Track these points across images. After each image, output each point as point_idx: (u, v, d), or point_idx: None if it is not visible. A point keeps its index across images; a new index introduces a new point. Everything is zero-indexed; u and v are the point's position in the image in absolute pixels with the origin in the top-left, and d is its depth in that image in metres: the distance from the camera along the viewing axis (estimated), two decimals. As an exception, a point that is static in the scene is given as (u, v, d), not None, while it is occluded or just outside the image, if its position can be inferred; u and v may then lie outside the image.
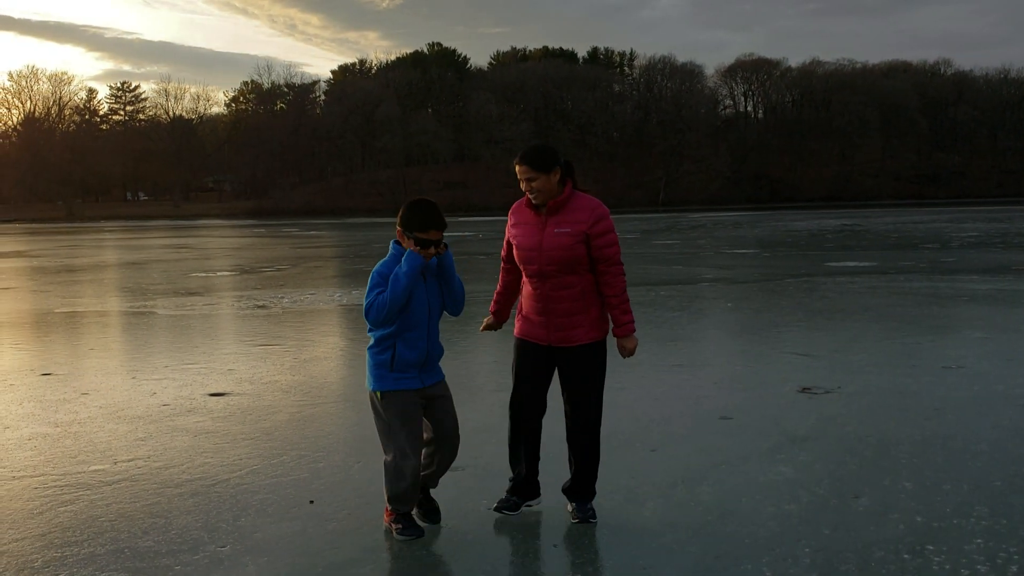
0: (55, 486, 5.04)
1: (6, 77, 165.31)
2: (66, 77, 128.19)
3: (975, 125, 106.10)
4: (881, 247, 24.96)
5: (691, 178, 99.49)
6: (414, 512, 4.31)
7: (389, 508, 4.24)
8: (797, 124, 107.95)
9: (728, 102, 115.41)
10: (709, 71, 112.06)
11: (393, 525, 4.21)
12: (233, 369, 8.47)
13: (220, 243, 36.32)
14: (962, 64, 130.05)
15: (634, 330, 4.42)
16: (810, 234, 32.81)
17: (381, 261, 4.22)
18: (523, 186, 4.25)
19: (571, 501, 4.47)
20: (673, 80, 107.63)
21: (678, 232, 37.25)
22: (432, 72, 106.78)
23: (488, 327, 4.76)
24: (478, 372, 8.20)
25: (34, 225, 68.90)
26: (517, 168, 4.23)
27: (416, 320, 4.15)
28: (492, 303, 4.71)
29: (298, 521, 4.44)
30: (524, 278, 4.43)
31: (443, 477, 4.48)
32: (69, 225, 67.90)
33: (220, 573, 3.84)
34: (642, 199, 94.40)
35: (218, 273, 20.35)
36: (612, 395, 6.86)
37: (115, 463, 5.46)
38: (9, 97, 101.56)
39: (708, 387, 7.31)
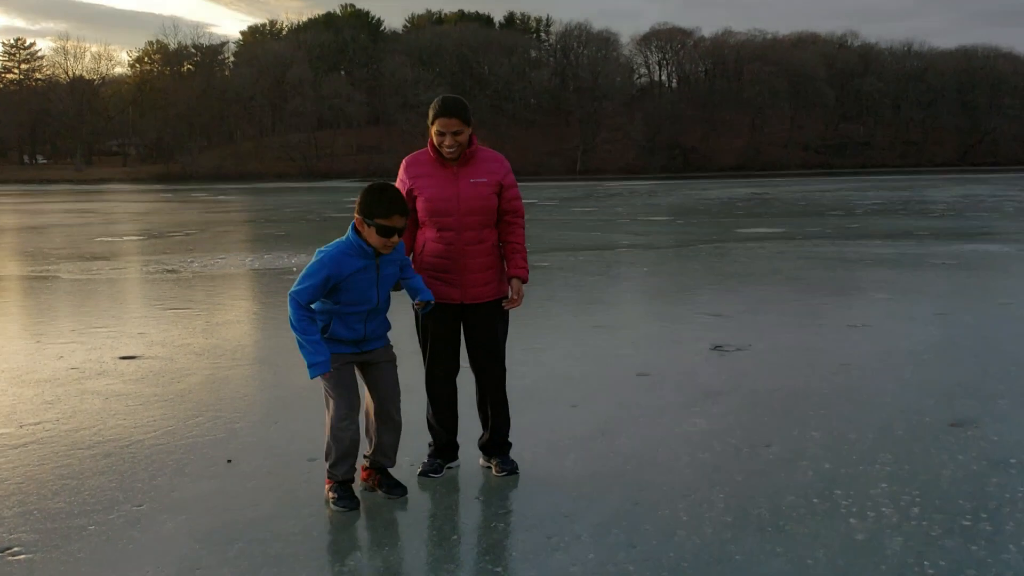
0: (-43, 450, 4.85)
1: None
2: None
3: (880, 96, 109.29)
4: (789, 214, 25.63)
5: (608, 147, 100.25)
6: (380, 490, 4.18)
7: (327, 476, 4.12)
8: (709, 94, 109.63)
9: (643, 71, 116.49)
10: (624, 39, 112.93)
11: (330, 494, 4.07)
12: (144, 333, 8.25)
13: (126, 208, 35.16)
14: (868, 36, 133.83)
15: (528, 278, 4.42)
16: (721, 202, 33.48)
17: (330, 247, 3.98)
18: (445, 140, 4.13)
19: (492, 456, 4.50)
20: (589, 47, 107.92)
21: (596, 200, 37.57)
22: (345, 34, 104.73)
23: None
24: (396, 333, 8.15)
25: (-76, 188, 65.61)
26: (442, 121, 4.11)
27: (358, 308, 4.00)
28: None
29: (216, 480, 4.38)
30: (427, 235, 4.27)
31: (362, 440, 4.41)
32: (-38, 188, 64.81)
33: (137, 531, 3.77)
34: (560, 167, 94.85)
35: (124, 238, 19.72)
36: (534, 355, 6.98)
37: (20, 426, 5.28)
38: None
39: (626, 346, 7.44)
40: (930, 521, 3.78)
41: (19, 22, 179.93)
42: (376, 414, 4.17)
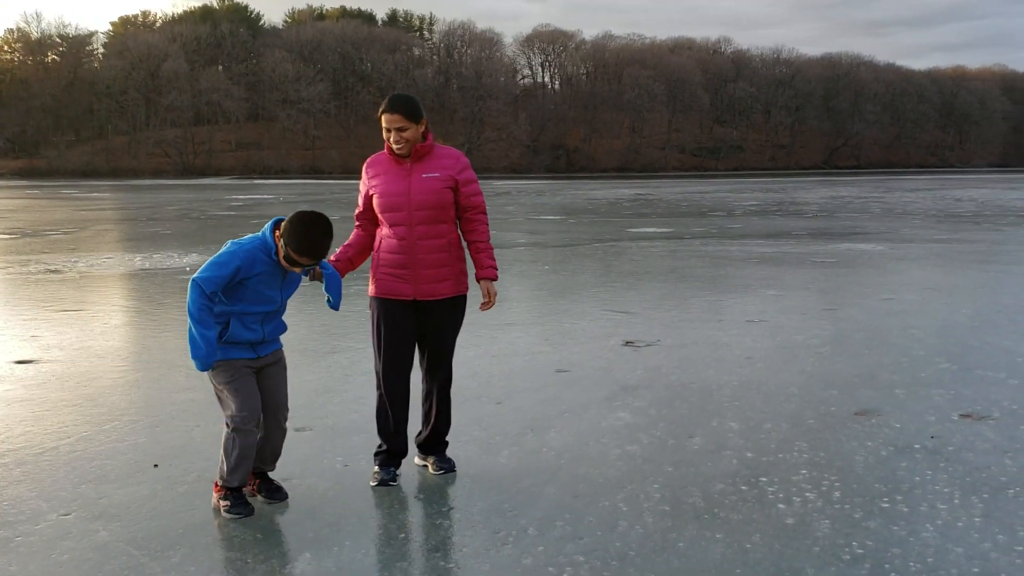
0: None
1: None
2: None
3: (751, 101, 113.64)
4: (674, 214, 26.40)
5: (492, 145, 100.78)
6: (260, 495, 4.10)
7: (218, 483, 3.98)
8: (591, 96, 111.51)
9: (526, 71, 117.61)
10: (508, 40, 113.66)
11: (221, 502, 3.95)
12: (36, 336, 7.88)
13: (-10, 204, 33.25)
14: (741, 43, 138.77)
15: (497, 276, 4.46)
16: (608, 202, 34.18)
17: (244, 240, 3.92)
18: (391, 136, 4.15)
19: (429, 455, 4.51)
20: (473, 47, 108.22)
21: (486, 198, 37.65)
22: (223, 27, 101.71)
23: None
24: (308, 336, 8.06)
25: None
26: (386, 117, 4.13)
27: (260, 308, 3.94)
28: (336, 253, 4.38)
29: (145, 485, 4.25)
30: (383, 232, 4.30)
31: (289, 441, 4.33)
32: None
33: (71, 542, 3.63)
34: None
35: (-4, 236, 18.69)
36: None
37: (-80, 436, 4.98)
38: None
39: (541, 343, 7.55)
40: (851, 504, 4.01)
41: None
42: (267, 412, 4.07)
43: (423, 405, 4.51)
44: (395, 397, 4.38)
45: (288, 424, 4.19)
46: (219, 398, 3.99)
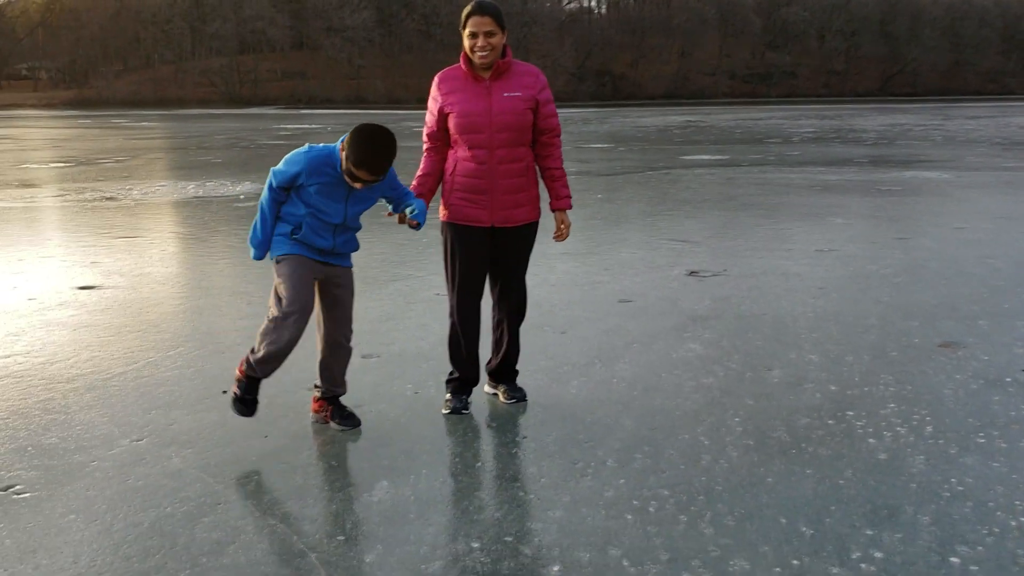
0: (-76, 386, 4.56)
1: None
2: None
3: (804, 26, 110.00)
4: (728, 141, 25.77)
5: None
6: (333, 422, 4.03)
7: (243, 366, 3.89)
8: (639, 21, 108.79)
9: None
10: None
11: (234, 386, 3.92)
12: (96, 262, 7.88)
13: (43, 134, 33.57)
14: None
15: (571, 206, 4.29)
16: (658, 129, 33.50)
17: (320, 148, 3.78)
18: (478, 42, 3.88)
19: (500, 383, 4.40)
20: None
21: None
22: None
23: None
24: (368, 264, 7.96)
25: None
26: (475, 20, 3.87)
27: (325, 218, 3.82)
28: (415, 188, 4.18)
29: (214, 412, 4.20)
30: (459, 155, 4.06)
31: (357, 368, 4.23)
32: None
33: (145, 468, 3.59)
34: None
35: (52, 164, 18.82)
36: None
37: (-11, 360, 4.99)
38: None
39: (600, 273, 7.37)
40: (946, 440, 3.83)
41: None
42: (327, 340, 4.02)
43: (493, 333, 4.38)
44: (468, 325, 4.24)
45: (353, 345, 4.09)
46: (276, 294, 3.85)
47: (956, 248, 8.36)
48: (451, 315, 4.28)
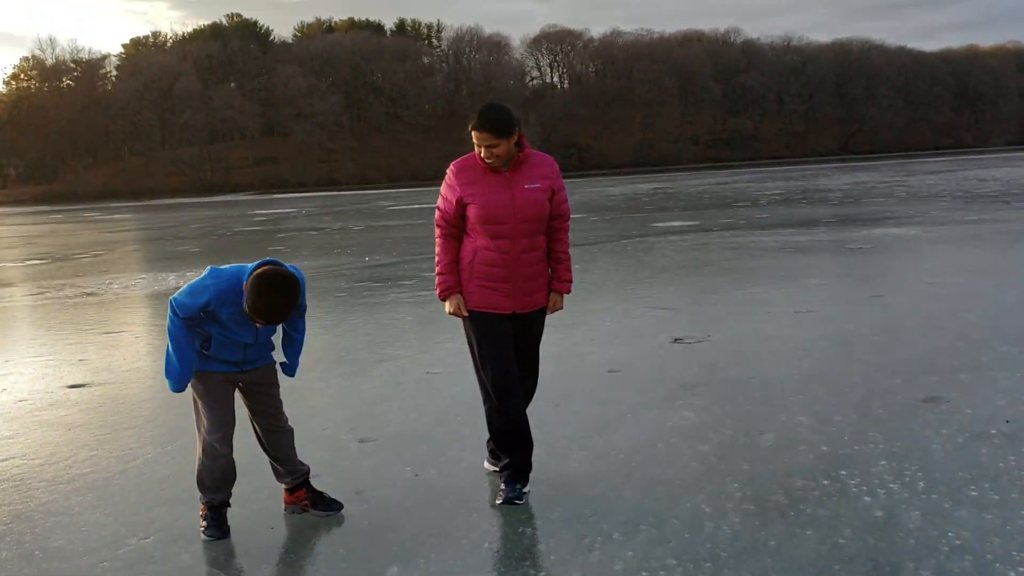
0: (-77, 495, 4.54)
1: None
2: None
3: (763, 91, 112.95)
4: (697, 207, 26.25)
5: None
6: (314, 510, 4.04)
7: (202, 504, 3.93)
8: (601, 94, 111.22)
9: (535, 73, 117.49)
10: (515, 42, 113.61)
11: (202, 519, 3.91)
12: (84, 359, 7.89)
13: (15, 231, 33.55)
14: (750, 32, 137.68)
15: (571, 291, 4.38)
16: (627, 198, 34.05)
17: (226, 273, 3.73)
18: (482, 152, 4.00)
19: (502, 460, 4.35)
20: (481, 52, 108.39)
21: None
22: (233, 44, 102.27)
23: (460, 308, 4.18)
24: (354, 345, 8.04)
25: None
26: (475, 135, 3.97)
27: (237, 339, 3.80)
28: (445, 277, 4.19)
29: (219, 506, 4.21)
30: (479, 244, 4.09)
31: (355, 453, 4.27)
32: None
33: (155, 566, 3.61)
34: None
35: (27, 262, 18.81)
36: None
37: (-13, 465, 4.98)
38: None
39: (587, 343, 7.49)
40: (939, 494, 3.93)
41: None
42: (264, 434, 4.01)
43: None
44: (513, 402, 4.15)
45: (292, 427, 4.10)
46: (195, 410, 3.91)
47: (930, 303, 8.57)
48: (486, 400, 4.22)
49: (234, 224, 30.07)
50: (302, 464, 4.10)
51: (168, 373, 3.80)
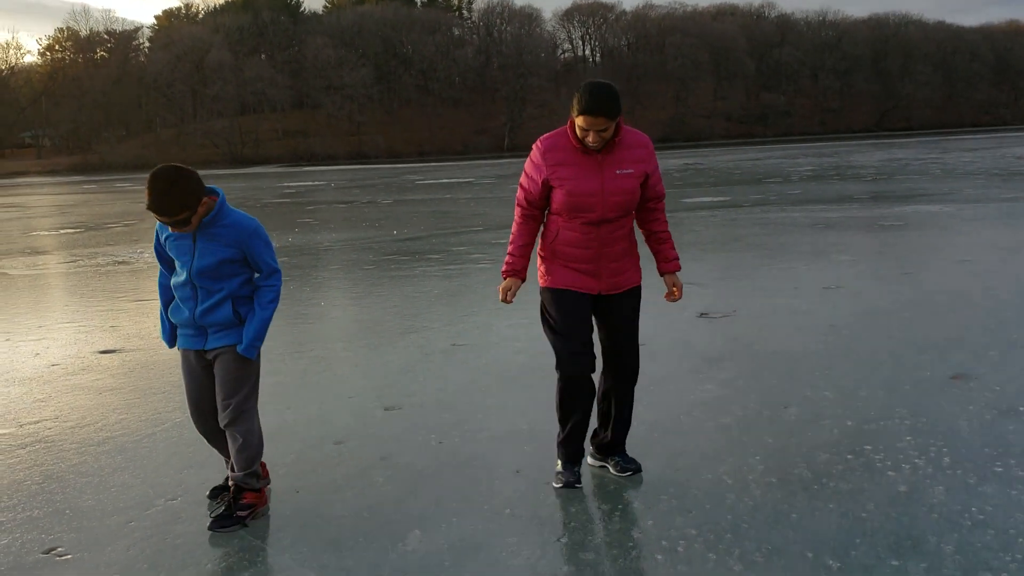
0: (-41, 454, 4.65)
1: None
2: None
3: (798, 66, 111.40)
4: (728, 182, 26.03)
5: (534, 123, 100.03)
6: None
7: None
8: (633, 68, 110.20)
9: (567, 46, 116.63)
10: (547, 15, 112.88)
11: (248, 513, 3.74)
12: (116, 326, 8.01)
13: (51, 200, 33.97)
14: (784, 7, 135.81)
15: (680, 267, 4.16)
16: (658, 173, 33.76)
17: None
18: (588, 136, 3.69)
19: (609, 456, 4.15)
20: (512, 24, 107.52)
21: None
22: (264, 16, 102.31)
23: (508, 293, 3.99)
24: (382, 317, 8.09)
25: None
26: (586, 119, 3.64)
27: (179, 279, 3.73)
28: (514, 259, 3.96)
29: (245, 469, 4.28)
30: (562, 223, 3.86)
31: (381, 420, 4.29)
32: None
33: (182, 527, 3.67)
34: (488, 144, 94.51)
35: (61, 231, 19.05)
36: (523, 330, 6.98)
37: (20, 426, 5.09)
38: None
39: (613, 317, 7.47)
40: (964, 470, 3.91)
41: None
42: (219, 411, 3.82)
43: (600, 404, 4.15)
44: (584, 383, 3.93)
45: (237, 432, 3.74)
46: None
47: (962, 281, 8.47)
48: (564, 382, 3.94)
49: (263, 196, 30.24)
50: (232, 469, 3.82)
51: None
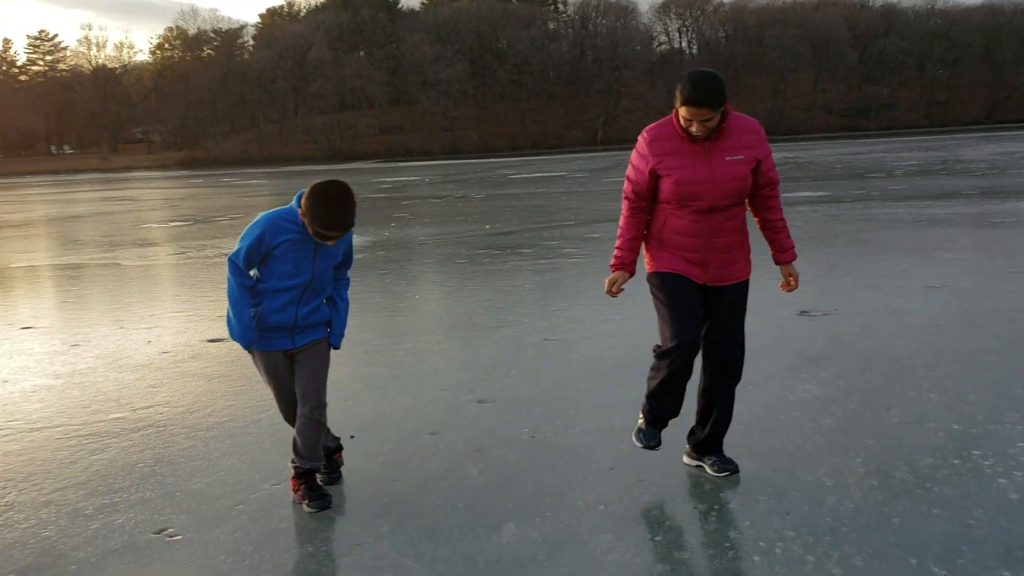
0: (78, 436, 4.91)
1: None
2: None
3: (903, 56, 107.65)
4: (828, 177, 25.36)
5: (629, 116, 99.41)
6: (305, 503, 3.83)
7: (293, 479, 3.93)
8: (731, 60, 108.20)
9: (663, 39, 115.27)
10: (643, 7, 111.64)
11: (295, 493, 3.89)
12: (223, 315, 8.24)
13: (160, 194, 35.37)
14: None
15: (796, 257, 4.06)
16: (755, 168, 33.11)
17: (276, 211, 3.74)
18: (692, 127, 3.63)
19: (706, 455, 4.07)
20: (608, 17, 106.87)
21: (623, 170, 37.30)
22: (363, 14, 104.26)
23: (614, 286, 3.97)
24: (474, 310, 8.17)
25: (-45, 182, 66.08)
26: (689, 109, 3.59)
27: (291, 282, 3.73)
28: (623, 252, 3.95)
29: (346, 457, 4.36)
30: (670, 212, 3.81)
31: (472, 412, 4.36)
32: (-7, 181, 65.31)
33: (285, 511, 3.80)
34: (581, 138, 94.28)
35: (171, 224, 19.83)
36: (616, 325, 6.97)
37: (133, 411, 5.33)
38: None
39: (709, 314, 7.38)
40: (1081, 478, 3.74)
41: (44, 7, 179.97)
42: (298, 412, 3.90)
43: (700, 400, 4.07)
44: (683, 370, 3.88)
45: (325, 420, 3.91)
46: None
47: (1079, 280, 8.07)
48: (669, 361, 3.87)
49: (360, 191, 30.84)
50: (310, 458, 3.88)
51: (231, 333, 3.82)
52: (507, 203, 21.41)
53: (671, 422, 4.09)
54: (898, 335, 6.35)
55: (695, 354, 3.87)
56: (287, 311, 3.76)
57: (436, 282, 10.18)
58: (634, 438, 4.08)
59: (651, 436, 4.02)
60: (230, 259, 3.76)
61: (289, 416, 3.97)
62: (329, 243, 3.71)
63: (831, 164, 32.74)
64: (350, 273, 4.10)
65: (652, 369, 3.97)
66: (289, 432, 4.74)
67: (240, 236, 3.77)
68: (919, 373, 5.38)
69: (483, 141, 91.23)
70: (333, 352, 4.04)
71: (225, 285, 3.85)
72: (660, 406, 3.99)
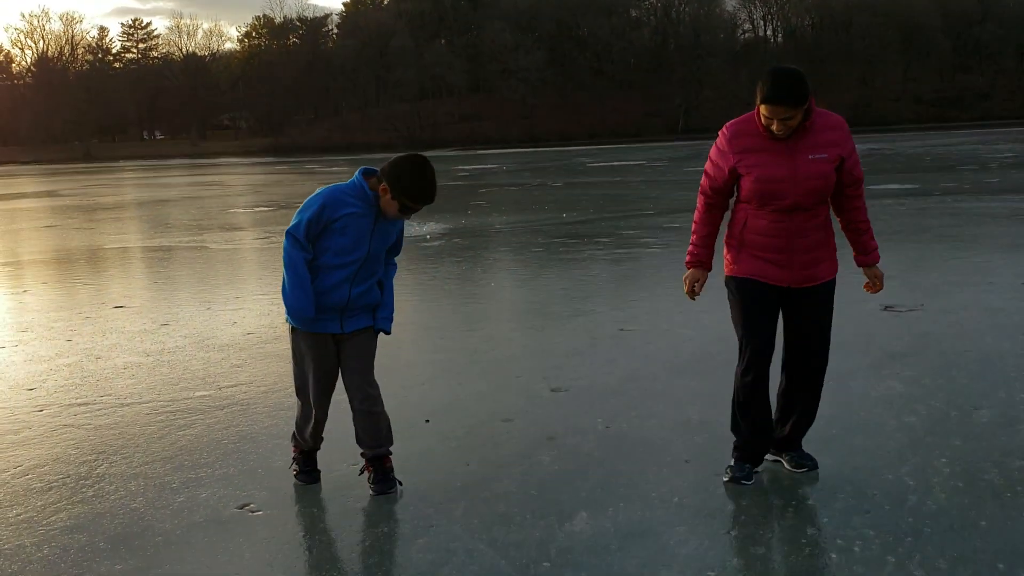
0: (166, 412, 5.07)
1: (18, 18, 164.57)
2: (77, 16, 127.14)
3: (1000, 44, 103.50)
4: (917, 169, 24.63)
5: (711, 105, 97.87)
6: (371, 486, 3.84)
7: (294, 445, 4.02)
8: (817, 48, 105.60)
9: (747, 26, 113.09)
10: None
11: (293, 462, 4.02)
12: (303, 299, 8.46)
13: (247, 180, 36.24)
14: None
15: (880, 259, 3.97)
16: (841, 159, 32.32)
17: (336, 185, 3.71)
18: (773, 124, 3.55)
19: (784, 451, 3.99)
20: (691, 4, 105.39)
21: (705, 160, 36.80)
22: (445, 2, 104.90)
23: (696, 286, 3.96)
24: (549, 299, 8.18)
25: (54, 166, 68.65)
26: (768, 108, 3.50)
27: (348, 258, 3.67)
28: (698, 249, 3.90)
29: (420, 440, 4.46)
30: (751, 211, 3.73)
31: (547, 401, 4.36)
32: (88, 165, 67.75)
33: (361, 491, 3.87)
34: (661, 127, 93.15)
35: (256, 209, 20.30)
36: (693, 316, 6.89)
37: (219, 389, 5.49)
38: (22, 38, 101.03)
39: (789, 307, 7.25)
40: None
41: (132, 3, 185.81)
42: (350, 403, 3.89)
43: (780, 399, 3.99)
44: (762, 385, 3.84)
45: (378, 410, 3.90)
46: (294, 362, 3.93)
47: None
48: (744, 375, 3.86)
49: (439, 179, 30.98)
50: (374, 445, 3.89)
51: (288, 309, 3.71)
52: (584, 191, 21.34)
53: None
54: (988, 333, 6.13)
55: (767, 363, 3.84)
56: (341, 289, 3.70)
57: (512, 270, 10.21)
58: (723, 475, 3.88)
59: (740, 469, 3.85)
60: (288, 232, 3.69)
61: (319, 401, 3.86)
62: (407, 216, 3.73)
63: (920, 155, 31.76)
64: (397, 259, 4.07)
65: (735, 379, 3.93)
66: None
67: (298, 210, 3.73)
68: (1011, 373, 5.19)
69: (561, 129, 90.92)
70: (398, 336, 4.02)
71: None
72: (745, 422, 3.87)
